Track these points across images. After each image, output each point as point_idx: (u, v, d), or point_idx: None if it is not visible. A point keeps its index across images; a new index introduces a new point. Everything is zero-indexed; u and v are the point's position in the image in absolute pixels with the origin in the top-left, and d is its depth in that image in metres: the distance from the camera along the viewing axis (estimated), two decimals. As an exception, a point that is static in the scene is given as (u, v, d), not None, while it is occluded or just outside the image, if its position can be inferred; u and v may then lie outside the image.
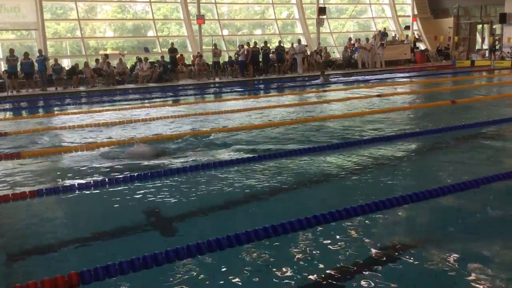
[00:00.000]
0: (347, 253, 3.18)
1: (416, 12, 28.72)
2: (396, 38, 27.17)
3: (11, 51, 17.42)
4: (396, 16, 29.69)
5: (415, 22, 28.61)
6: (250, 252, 3.23)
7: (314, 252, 3.21)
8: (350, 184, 4.75)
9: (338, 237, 3.41)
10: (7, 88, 17.01)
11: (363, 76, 19.30)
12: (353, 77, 19.25)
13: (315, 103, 11.64)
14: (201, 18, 21.37)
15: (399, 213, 3.86)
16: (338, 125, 8.05)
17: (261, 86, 17.76)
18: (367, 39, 24.40)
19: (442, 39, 27.67)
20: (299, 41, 22.44)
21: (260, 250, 3.25)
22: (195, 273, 3.01)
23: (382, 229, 3.56)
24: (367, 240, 3.33)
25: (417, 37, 28.61)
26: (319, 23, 24.70)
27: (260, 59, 21.44)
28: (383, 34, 25.50)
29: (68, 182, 4.91)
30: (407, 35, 27.80)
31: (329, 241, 3.34)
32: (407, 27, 28.42)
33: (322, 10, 24.64)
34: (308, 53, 23.64)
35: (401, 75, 19.93)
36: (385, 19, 30.09)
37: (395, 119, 8.52)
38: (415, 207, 3.92)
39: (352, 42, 25.08)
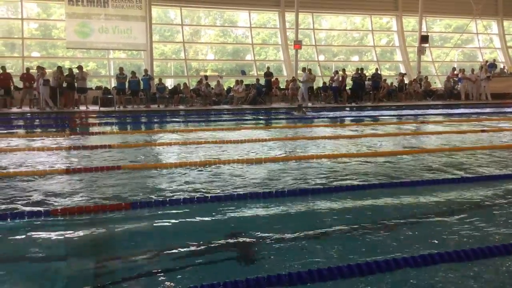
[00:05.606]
0: None
1: (529, 43, 26.74)
2: (505, 70, 25.39)
3: (121, 69, 18.94)
4: (505, 46, 27.88)
5: (527, 54, 26.60)
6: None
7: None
8: (449, 227, 4.41)
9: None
10: (115, 103, 18.46)
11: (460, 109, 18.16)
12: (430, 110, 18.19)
13: (408, 134, 11.14)
14: (298, 44, 21.67)
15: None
16: (435, 159, 7.60)
17: (354, 113, 17.44)
18: (472, 70, 23.05)
19: (559, 72, 25.39)
20: (303, 69, 20.58)
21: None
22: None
23: None
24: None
25: (529, 69, 26.52)
26: (421, 51, 23.88)
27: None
28: (490, 65, 23.97)
29: (160, 197, 5.12)
30: (517, 67, 25.90)
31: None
32: (518, 59, 26.50)
33: (424, 38, 23.82)
34: (402, 81, 22.87)
35: (509, 109, 18.46)
36: (493, 49, 28.33)
37: (501, 157, 7.86)
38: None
39: (455, 72, 23.86)
